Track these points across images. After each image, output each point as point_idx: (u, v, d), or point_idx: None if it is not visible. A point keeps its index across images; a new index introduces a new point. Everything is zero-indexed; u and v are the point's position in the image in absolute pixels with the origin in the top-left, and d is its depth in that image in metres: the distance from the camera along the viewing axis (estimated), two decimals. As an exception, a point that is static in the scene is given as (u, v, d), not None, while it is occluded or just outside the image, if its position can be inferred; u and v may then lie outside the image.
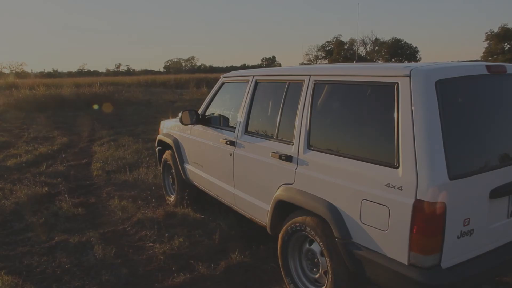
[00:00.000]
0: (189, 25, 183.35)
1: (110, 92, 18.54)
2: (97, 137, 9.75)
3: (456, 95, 2.14)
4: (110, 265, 3.31)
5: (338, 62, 48.49)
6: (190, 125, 4.09)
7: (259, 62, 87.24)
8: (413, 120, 1.99)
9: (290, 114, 2.83)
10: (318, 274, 2.63)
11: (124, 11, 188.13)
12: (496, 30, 45.48)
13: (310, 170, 2.56)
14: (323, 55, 63.07)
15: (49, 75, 61.46)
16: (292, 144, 2.73)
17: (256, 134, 3.21)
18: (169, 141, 4.56)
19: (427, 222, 1.93)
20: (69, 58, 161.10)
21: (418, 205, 1.92)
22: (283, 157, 2.77)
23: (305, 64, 42.34)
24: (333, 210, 2.34)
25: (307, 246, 2.70)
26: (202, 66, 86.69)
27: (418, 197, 1.93)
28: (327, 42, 62.88)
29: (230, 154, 3.41)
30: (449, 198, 1.93)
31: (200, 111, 4.06)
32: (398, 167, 2.03)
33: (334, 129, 2.57)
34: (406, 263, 2.01)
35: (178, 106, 15.46)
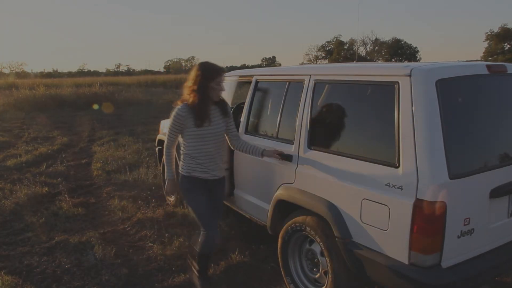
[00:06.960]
0: (189, 25, 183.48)
1: (110, 92, 18.57)
2: (97, 137, 9.75)
3: (456, 95, 2.14)
4: (110, 265, 3.31)
5: (338, 62, 48.46)
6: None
7: (259, 62, 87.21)
8: (414, 120, 1.99)
9: (291, 114, 2.82)
10: (318, 274, 2.63)
11: (124, 10, 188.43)
12: (496, 30, 45.43)
13: (310, 169, 2.56)
14: (323, 55, 62.91)
15: (49, 75, 61.28)
16: (293, 144, 2.73)
17: (256, 133, 3.21)
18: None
19: (427, 222, 1.93)
20: (69, 58, 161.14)
21: (418, 205, 1.92)
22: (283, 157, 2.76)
23: (305, 64, 42.32)
24: (333, 209, 2.34)
25: (307, 246, 2.70)
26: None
27: (418, 197, 1.93)
28: (327, 42, 62.71)
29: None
30: (449, 198, 1.93)
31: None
32: (398, 167, 2.03)
33: (335, 128, 2.56)
34: (407, 263, 2.00)
35: (178, 106, 15.40)
